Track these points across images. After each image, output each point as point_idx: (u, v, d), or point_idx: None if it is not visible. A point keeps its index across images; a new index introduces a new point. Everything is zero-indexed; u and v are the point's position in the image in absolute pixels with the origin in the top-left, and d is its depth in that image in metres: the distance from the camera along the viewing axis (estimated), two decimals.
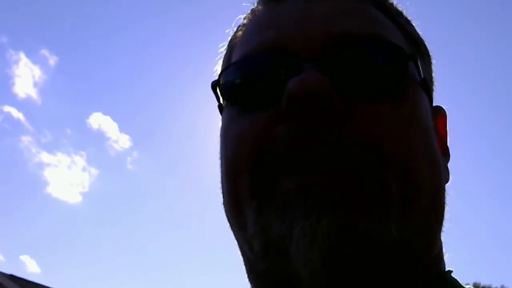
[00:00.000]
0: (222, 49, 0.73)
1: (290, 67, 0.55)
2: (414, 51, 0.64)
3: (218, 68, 0.72)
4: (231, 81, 0.61)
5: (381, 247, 0.50)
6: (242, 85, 0.60)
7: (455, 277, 0.60)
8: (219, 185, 0.62)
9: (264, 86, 0.57)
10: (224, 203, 0.61)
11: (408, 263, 0.54)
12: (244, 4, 0.72)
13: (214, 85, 0.64)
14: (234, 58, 0.65)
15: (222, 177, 0.61)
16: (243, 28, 0.69)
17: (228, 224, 0.62)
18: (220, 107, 0.67)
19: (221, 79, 0.62)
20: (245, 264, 0.61)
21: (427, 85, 0.63)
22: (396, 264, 0.53)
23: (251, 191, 0.54)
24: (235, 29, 0.72)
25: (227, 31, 0.73)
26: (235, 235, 0.61)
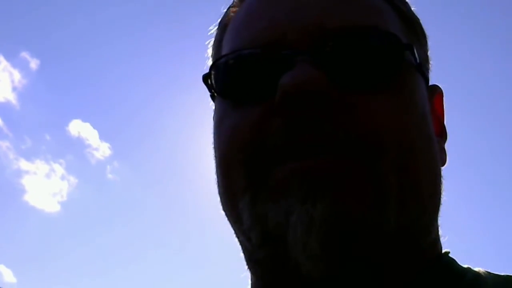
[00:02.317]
0: (213, 31, 0.71)
1: (283, 61, 0.54)
2: (410, 34, 0.62)
3: (209, 52, 0.71)
4: (223, 75, 0.60)
5: (379, 234, 0.51)
6: (234, 80, 0.59)
7: (452, 257, 0.61)
8: (215, 178, 0.62)
9: (257, 80, 0.56)
10: (219, 196, 0.61)
11: (406, 249, 0.54)
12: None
13: (206, 77, 0.62)
14: (226, 47, 0.64)
15: (216, 170, 0.61)
16: (234, 11, 0.68)
17: (223, 214, 0.61)
18: (213, 95, 0.66)
19: (212, 72, 0.61)
20: (244, 252, 0.61)
21: (423, 69, 0.62)
22: (394, 250, 0.53)
23: (245, 183, 0.54)
24: (224, 10, 0.70)
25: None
26: (232, 226, 0.60)
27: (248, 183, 0.54)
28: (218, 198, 0.61)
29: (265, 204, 0.52)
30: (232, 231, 0.61)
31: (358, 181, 0.50)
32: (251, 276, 0.62)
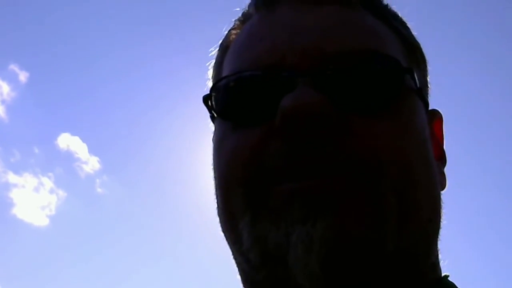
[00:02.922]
0: (213, 52, 0.72)
1: (284, 83, 0.54)
2: (410, 58, 0.63)
3: (209, 73, 0.71)
4: (224, 96, 0.60)
5: (378, 255, 0.50)
6: (235, 101, 0.59)
7: (451, 282, 0.60)
8: (214, 199, 0.62)
9: (258, 102, 0.56)
10: (219, 217, 0.60)
11: (405, 271, 0.54)
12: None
13: (206, 99, 0.63)
14: (226, 69, 0.64)
15: (216, 192, 0.61)
16: (235, 33, 0.68)
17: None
18: (213, 116, 0.66)
19: (213, 94, 0.61)
20: (240, 274, 0.61)
21: (423, 93, 0.62)
22: (393, 271, 0.53)
23: (245, 203, 0.54)
24: (225, 32, 0.71)
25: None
26: (230, 247, 0.60)
27: (248, 203, 0.53)
28: (217, 219, 0.61)
29: (265, 224, 0.51)
30: (228, 250, 0.61)
31: (358, 201, 0.50)
32: None
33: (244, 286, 0.61)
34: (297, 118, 0.50)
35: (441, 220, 0.59)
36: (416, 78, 0.59)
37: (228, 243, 0.60)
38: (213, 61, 0.71)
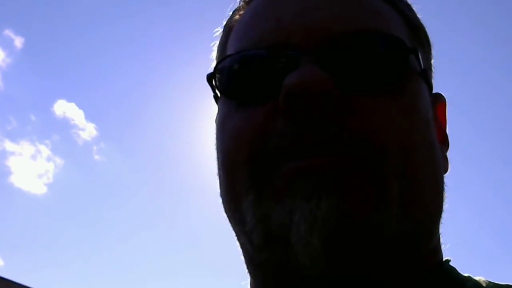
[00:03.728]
0: (217, 33, 0.71)
1: (288, 62, 0.54)
2: (414, 40, 0.63)
3: (213, 54, 0.71)
4: (228, 75, 0.60)
5: (380, 237, 0.51)
6: (239, 80, 0.59)
7: (452, 266, 0.61)
8: (217, 179, 0.62)
9: (262, 81, 0.56)
10: (221, 197, 0.61)
11: (407, 254, 0.54)
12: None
13: (210, 77, 0.62)
14: (231, 48, 0.64)
15: (219, 171, 0.61)
16: (240, 13, 0.68)
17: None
18: (216, 97, 0.66)
19: (217, 72, 0.61)
20: (244, 256, 0.61)
21: (427, 75, 0.62)
22: (395, 254, 0.53)
23: (249, 183, 0.54)
24: (230, 13, 0.70)
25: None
26: (233, 228, 0.60)
27: (252, 182, 0.53)
28: (220, 200, 0.61)
29: (269, 203, 0.51)
30: (228, 228, 0.61)
31: (362, 183, 0.50)
32: (251, 280, 0.62)
33: (247, 267, 0.61)
34: (301, 95, 0.50)
35: (444, 203, 0.59)
36: (421, 59, 0.59)
37: (232, 223, 0.60)
38: (217, 41, 0.70)
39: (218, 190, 0.61)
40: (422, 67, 0.60)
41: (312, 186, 0.49)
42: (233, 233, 0.61)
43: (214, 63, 0.69)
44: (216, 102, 0.66)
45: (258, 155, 0.53)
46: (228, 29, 0.68)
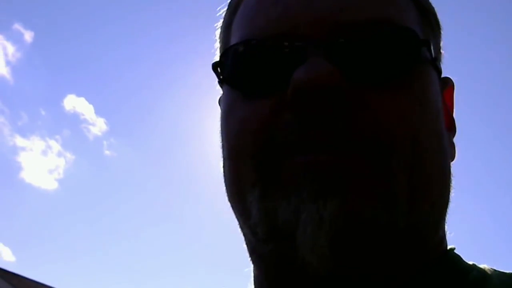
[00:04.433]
0: (222, 12, 0.69)
1: (296, 53, 0.53)
2: (425, 26, 0.61)
3: (217, 34, 0.69)
4: (234, 65, 0.58)
5: (388, 234, 0.50)
6: (245, 71, 0.57)
7: (457, 254, 0.60)
8: (221, 170, 0.61)
9: (269, 72, 0.55)
10: (226, 189, 0.60)
11: (413, 248, 0.54)
12: None
13: (215, 66, 0.61)
14: (236, 33, 0.62)
15: (224, 163, 0.60)
16: None
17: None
18: (221, 82, 0.64)
19: (222, 61, 0.60)
20: (247, 245, 0.61)
21: (437, 63, 0.61)
22: (402, 249, 0.53)
23: (255, 177, 0.53)
24: None
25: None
26: (236, 217, 0.60)
27: (258, 176, 0.52)
28: (224, 188, 0.60)
29: (275, 199, 0.51)
30: (234, 219, 0.61)
31: (369, 181, 0.49)
32: (253, 268, 0.62)
33: (250, 256, 0.61)
34: (310, 91, 0.49)
35: (451, 193, 0.59)
36: (432, 49, 0.58)
37: (235, 213, 0.59)
38: (221, 21, 0.68)
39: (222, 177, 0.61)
40: (433, 56, 0.58)
41: (319, 185, 0.48)
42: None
43: (217, 44, 0.68)
44: (221, 86, 0.65)
45: (264, 149, 0.52)
46: (233, 9, 0.66)
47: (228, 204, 0.60)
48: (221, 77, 0.61)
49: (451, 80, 0.68)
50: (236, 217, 0.59)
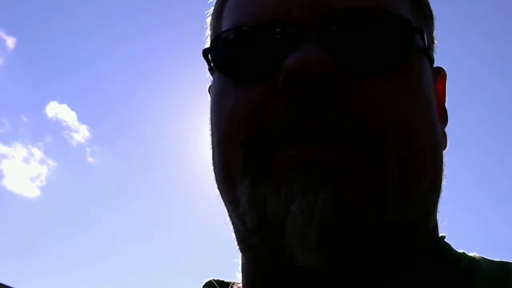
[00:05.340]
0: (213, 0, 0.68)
1: (288, 40, 0.52)
2: (418, 15, 0.60)
3: (208, 21, 0.68)
4: (224, 51, 0.57)
5: (378, 227, 0.50)
6: (236, 57, 0.56)
7: (447, 242, 0.60)
8: (210, 158, 0.60)
9: (260, 58, 0.54)
10: (215, 177, 0.59)
11: (405, 239, 0.54)
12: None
13: (206, 52, 0.60)
14: (227, 20, 0.61)
15: (213, 151, 0.59)
16: None
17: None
18: (211, 69, 0.63)
19: (213, 48, 0.59)
20: (235, 233, 0.60)
21: (430, 52, 0.60)
22: (392, 241, 0.52)
23: (245, 166, 0.52)
24: None
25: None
26: (225, 205, 0.59)
27: (249, 166, 0.52)
28: (213, 176, 0.59)
29: (265, 189, 0.50)
30: (224, 210, 0.60)
31: (360, 174, 0.49)
32: (242, 257, 0.61)
33: (239, 244, 0.60)
34: (302, 78, 0.48)
35: (443, 182, 0.59)
36: (425, 38, 0.57)
37: (224, 201, 0.59)
38: (212, 8, 0.67)
39: (211, 164, 0.60)
40: (426, 44, 0.58)
41: (310, 178, 0.48)
42: (230, 226, 0.60)
43: (208, 31, 0.67)
44: (211, 73, 0.64)
45: (254, 138, 0.52)
46: None
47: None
48: (211, 64, 0.60)
49: (443, 69, 0.68)
50: (225, 205, 0.59)
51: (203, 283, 0.69)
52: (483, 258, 0.58)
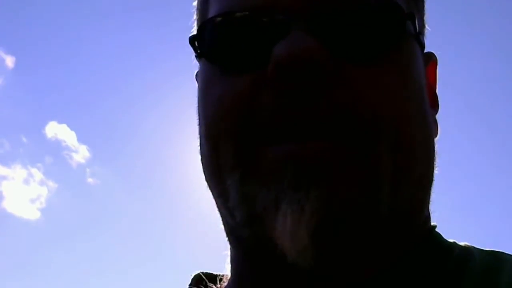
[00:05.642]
0: None
1: (276, 27, 0.50)
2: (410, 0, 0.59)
3: (195, 5, 0.66)
4: (211, 39, 0.55)
5: (372, 222, 0.49)
6: (223, 45, 0.54)
7: (438, 232, 0.60)
8: (198, 150, 0.58)
9: (248, 47, 0.52)
10: (203, 168, 0.58)
11: (398, 232, 0.53)
12: None
13: (192, 39, 0.58)
14: (214, 6, 0.59)
15: (201, 142, 0.57)
16: None
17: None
18: (198, 56, 0.61)
19: (199, 35, 0.57)
20: (224, 226, 0.59)
21: (421, 38, 0.59)
22: (386, 235, 0.52)
23: (235, 160, 0.51)
24: None
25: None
26: (214, 198, 0.58)
27: (238, 160, 0.50)
28: (201, 167, 0.58)
29: (255, 185, 0.49)
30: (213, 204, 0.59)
31: (354, 168, 0.48)
32: (231, 249, 0.60)
33: (228, 237, 0.59)
34: (291, 66, 0.47)
35: (435, 171, 0.58)
36: (417, 23, 0.56)
37: (213, 194, 0.57)
38: None
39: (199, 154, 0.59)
40: (418, 30, 0.57)
41: (301, 175, 0.46)
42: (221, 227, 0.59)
43: (194, 18, 0.65)
44: (198, 60, 0.62)
45: (243, 131, 0.50)
46: None
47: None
48: (198, 51, 0.58)
49: (434, 55, 0.67)
50: (214, 197, 0.57)
51: (192, 276, 0.68)
52: (474, 247, 0.58)
